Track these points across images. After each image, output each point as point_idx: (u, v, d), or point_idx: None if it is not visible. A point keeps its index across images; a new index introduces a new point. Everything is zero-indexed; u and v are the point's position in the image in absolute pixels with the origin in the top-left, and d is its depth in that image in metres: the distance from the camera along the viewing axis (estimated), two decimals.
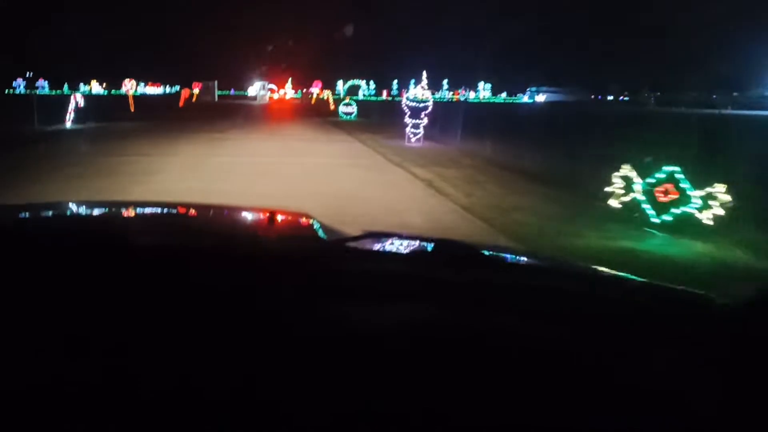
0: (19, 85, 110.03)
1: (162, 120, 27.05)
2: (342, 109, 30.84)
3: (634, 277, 1.27)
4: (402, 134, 17.95)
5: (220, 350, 0.81)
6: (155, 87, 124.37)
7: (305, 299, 0.97)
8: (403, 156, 13.49)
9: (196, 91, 55.85)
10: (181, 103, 46.24)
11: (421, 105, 16.78)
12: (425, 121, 16.73)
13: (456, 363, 0.82)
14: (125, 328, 0.86)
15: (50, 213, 1.80)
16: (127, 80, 35.07)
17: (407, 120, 16.84)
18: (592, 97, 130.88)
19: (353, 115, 30.61)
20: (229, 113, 34.94)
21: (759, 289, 0.95)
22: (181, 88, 61.52)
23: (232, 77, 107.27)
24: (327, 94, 48.78)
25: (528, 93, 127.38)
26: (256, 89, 71.42)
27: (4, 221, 1.42)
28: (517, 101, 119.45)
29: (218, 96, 74.21)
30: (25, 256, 1.06)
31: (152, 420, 0.69)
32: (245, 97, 78.82)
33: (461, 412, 0.72)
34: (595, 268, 1.45)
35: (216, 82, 67.76)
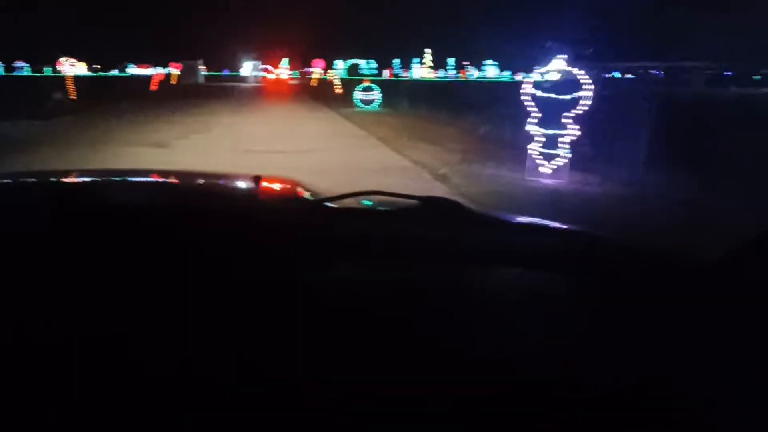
0: None
1: (101, 115, 17.94)
2: (360, 95, 21.43)
3: (614, 237, 1.25)
4: (483, 146, 9.18)
5: (217, 314, 0.80)
6: (144, 68, 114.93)
7: (294, 257, 0.97)
8: None
9: (175, 71, 46.27)
10: (153, 86, 36.97)
11: (568, 97, 7.72)
12: (576, 131, 7.70)
13: (444, 315, 0.82)
14: (120, 298, 0.84)
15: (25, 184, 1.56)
16: (63, 58, 25.02)
17: (534, 129, 7.88)
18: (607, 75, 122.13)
19: (376, 103, 21.47)
20: (207, 101, 25.79)
21: (734, 248, 0.94)
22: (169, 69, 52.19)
23: (227, 56, 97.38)
24: (333, 74, 39.21)
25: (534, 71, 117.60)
26: (247, 69, 61.78)
27: None
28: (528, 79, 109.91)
29: (207, 77, 64.77)
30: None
31: (146, 387, 0.69)
32: (238, 78, 68.93)
33: (453, 360, 0.73)
34: (580, 230, 1.37)
35: (200, 61, 57.81)
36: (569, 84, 7.66)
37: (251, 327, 0.77)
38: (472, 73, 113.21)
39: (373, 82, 22.89)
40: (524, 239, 1.17)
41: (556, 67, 7.86)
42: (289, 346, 0.73)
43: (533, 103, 7.89)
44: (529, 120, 7.94)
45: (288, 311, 0.81)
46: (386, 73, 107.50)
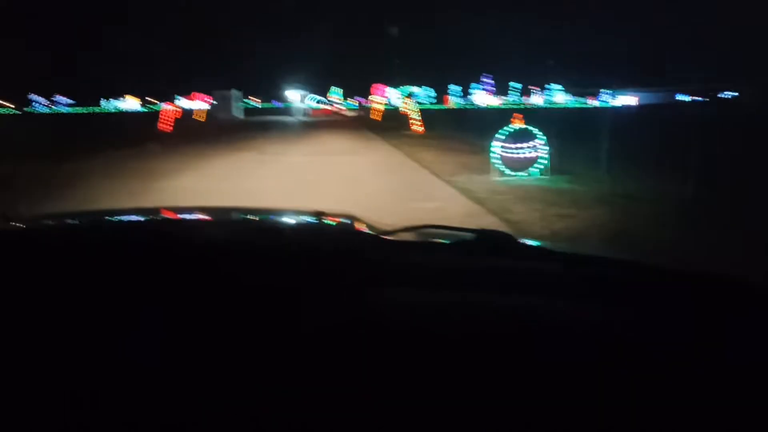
0: (38, 103, 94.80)
1: None
2: (503, 150, 9.59)
3: (646, 261, 1.24)
4: None
5: (281, 347, 0.80)
6: (192, 100, 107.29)
7: (355, 290, 0.97)
8: None
9: (196, 105, 36.28)
10: (164, 126, 26.66)
11: None
12: None
13: (502, 346, 0.82)
14: (180, 328, 0.85)
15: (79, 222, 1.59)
16: None
17: None
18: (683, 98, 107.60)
19: (544, 167, 9.98)
20: (221, 156, 15.09)
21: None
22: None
23: (275, 87, 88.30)
24: (408, 104, 27.80)
25: (605, 95, 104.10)
26: (295, 100, 51.70)
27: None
28: (605, 105, 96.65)
29: (255, 109, 55.19)
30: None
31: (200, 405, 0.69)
32: (288, 110, 58.83)
33: (507, 391, 0.73)
34: (617, 259, 1.32)
35: (233, 92, 46.46)
36: None
37: (317, 359, 0.78)
38: (531, 99, 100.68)
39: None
40: (580, 271, 1.16)
41: None
42: (350, 379, 0.74)
43: None
44: None
45: (351, 343, 0.81)
46: (452, 100, 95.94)
